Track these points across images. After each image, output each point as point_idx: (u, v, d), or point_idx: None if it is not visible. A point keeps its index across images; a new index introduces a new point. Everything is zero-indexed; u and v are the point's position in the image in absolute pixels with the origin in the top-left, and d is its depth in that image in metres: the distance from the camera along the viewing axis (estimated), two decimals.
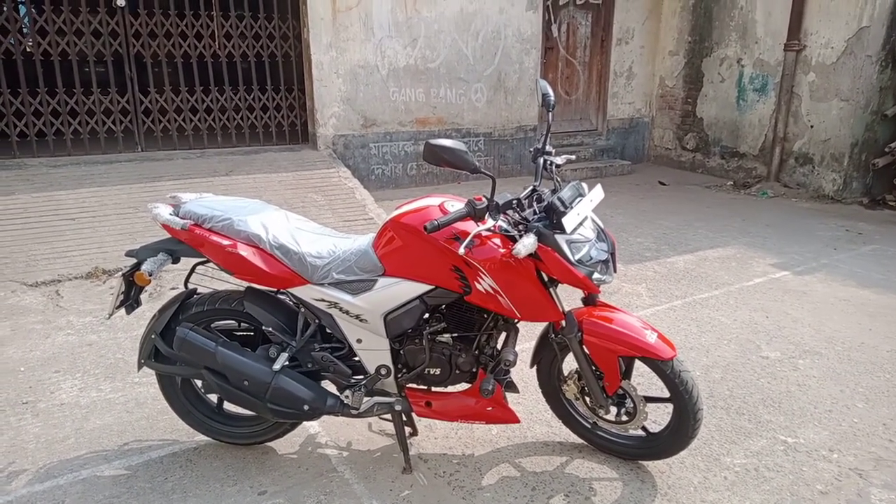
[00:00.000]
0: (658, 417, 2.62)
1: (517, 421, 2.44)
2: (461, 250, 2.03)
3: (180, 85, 6.63)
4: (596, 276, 2.13)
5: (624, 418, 2.44)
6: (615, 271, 2.25)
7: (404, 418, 2.53)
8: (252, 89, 6.99)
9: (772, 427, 2.83)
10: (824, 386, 3.19)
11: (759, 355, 3.51)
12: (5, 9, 5.80)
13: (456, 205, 2.20)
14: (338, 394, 2.44)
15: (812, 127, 7.23)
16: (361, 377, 2.42)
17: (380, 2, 6.92)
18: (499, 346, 2.41)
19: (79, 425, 2.82)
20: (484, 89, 7.80)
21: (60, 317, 3.96)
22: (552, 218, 2.09)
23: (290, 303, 2.42)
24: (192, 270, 2.47)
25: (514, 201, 2.13)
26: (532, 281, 2.15)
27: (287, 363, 2.35)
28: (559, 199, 2.11)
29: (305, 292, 2.29)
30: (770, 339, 3.70)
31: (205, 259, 2.37)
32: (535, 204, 2.21)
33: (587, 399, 2.48)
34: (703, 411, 2.33)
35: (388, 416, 2.50)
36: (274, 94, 7.12)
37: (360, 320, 2.28)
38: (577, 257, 2.08)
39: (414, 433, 2.69)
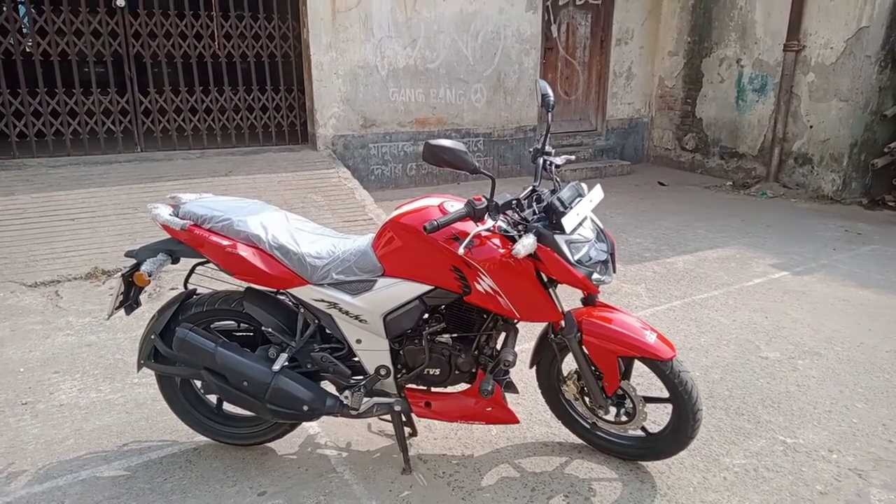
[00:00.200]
0: (657, 418, 2.62)
1: (516, 421, 2.44)
2: (461, 251, 2.04)
3: (180, 85, 6.63)
4: (595, 276, 2.13)
5: (623, 419, 2.44)
6: (614, 272, 2.25)
7: (404, 419, 2.53)
8: (252, 90, 6.99)
9: (771, 427, 2.83)
10: (823, 386, 3.19)
11: (759, 356, 3.51)
12: (5, 9, 5.80)
13: (455, 205, 2.20)
14: (337, 394, 2.44)
15: (811, 127, 7.24)
16: (361, 378, 2.42)
17: (379, 2, 6.92)
18: (498, 347, 2.41)
19: (78, 426, 2.82)
20: (483, 90, 7.80)
21: (60, 317, 3.96)
22: (552, 218, 2.09)
23: (290, 303, 2.42)
24: (192, 271, 2.47)
25: (514, 202, 2.13)
26: (531, 281, 2.15)
27: (286, 364, 2.35)
28: (559, 199, 2.11)
29: (305, 293, 2.29)
30: (769, 340, 3.70)
31: (204, 259, 2.37)
32: (534, 204, 2.20)
33: (586, 399, 2.48)
34: (702, 412, 2.34)
35: (388, 417, 2.50)
36: (273, 95, 7.12)
37: (360, 321, 2.28)
38: (576, 257, 2.08)
39: (413, 434, 2.69)
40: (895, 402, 3.04)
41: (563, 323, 2.26)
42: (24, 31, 6.96)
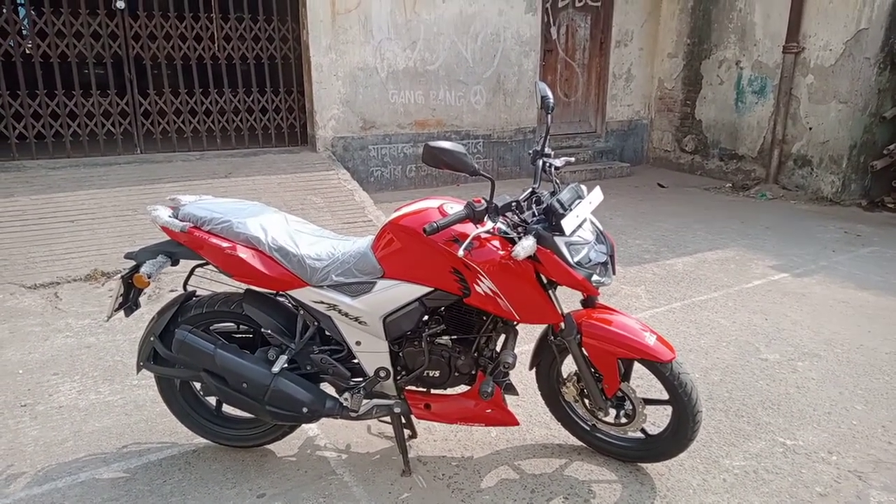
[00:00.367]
0: (657, 419, 2.62)
1: (516, 423, 2.44)
2: (460, 252, 2.04)
3: (179, 87, 6.63)
4: (595, 278, 2.13)
5: (623, 420, 2.44)
6: (614, 273, 2.25)
7: (403, 421, 2.53)
8: (251, 91, 6.99)
9: (771, 429, 2.83)
10: (823, 388, 3.19)
11: (758, 357, 3.51)
12: (4, 11, 5.80)
13: (455, 207, 2.20)
14: (337, 396, 2.44)
15: (811, 129, 7.24)
16: (360, 379, 2.42)
17: (379, 4, 6.92)
18: (498, 349, 2.41)
19: (77, 428, 2.81)
20: (483, 91, 7.81)
21: (59, 319, 3.96)
22: (551, 220, 2.09)
23: (289, 305, 2.42)
24: (191, 273, 2.47)
25: (513, 203, 2.13)
26: (531, 283, 2.15)
27: (286, 365, 2.35)
28: (558, 201, 2.11)
29: (304, 294, 2.29)
30: (769, 342, 3.70)
31: (204, 261, 2.37)
32: (534, 206, 2.21)
33: (586, 401, 2.48)
34: (702, 413, 2.34)
35: (387, 419, 2.50)
36: (273, 97, 7.12)
37: (360, 322, 2.28)
38: (576, 259, 2.08)
39: (413, 435, 2.69)
40: (895, 404, 3.04)
41: (562, 325, 2.26)
42: (24, 32, 6.97)
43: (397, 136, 7.43)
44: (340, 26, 6.80)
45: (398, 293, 2.23)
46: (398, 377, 2.40)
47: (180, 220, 2.31)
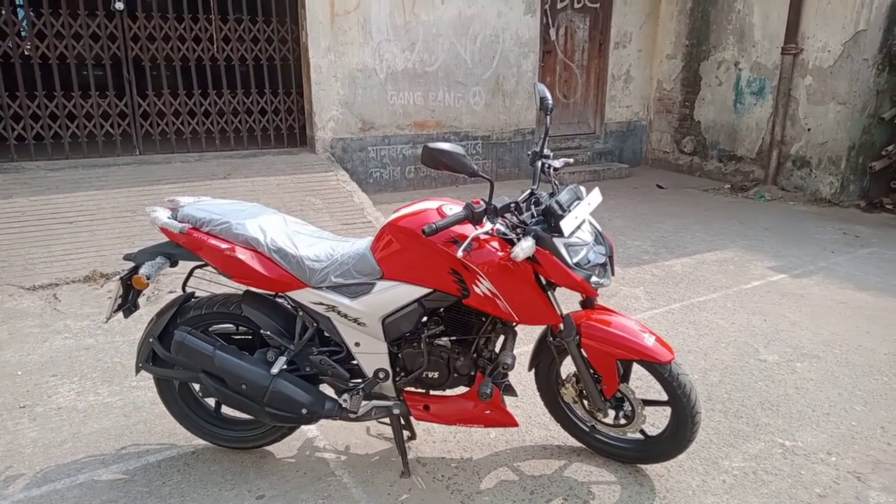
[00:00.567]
0: (656, 421, 2.62)
1: (515, 424, 2.44)
2: (459, 253, 2.04)
3: (178, 88, 6.63)
4: (594, 279, 2.13)
5: (622, 421, 2.44)
6: (613, 274, 2.25)
7: (402, 422, 2.53)
8: (250, 93, 6.99)
9: (770, 430, 2.83)
10: (822, 389, 3.19)
11: (757, 358, 3.51)
12: (3, 12, 5.80)
13: (454, 208, 2.20)
14: (336, 397, 2.44)
15: (809, 130, 7.25)
16: (359, 381, 2.42)
17: (378, 5, 6.93)
18: (497, 350, 2.41)
19: (76, 429, 2.81)
20: (482, 93, 7.81)
21: (58, 320, 3.95)
22: (550, 221, 2.09)
23: (289, 306, 2.42)
24: (190, 274, 2.47)
25: (512, 205, 2.13)
26: (530, 284, 2.15)
27: (285, 367, 2.35)
28: (557, 202, 2.11)
29: (303, 296, 2.29)
30: (768, 343, 3.70)
31: (203, 262, 2.37)
32: (532, 207, 2.21)
33: (585, 402, 2.48)
34: (701, 414, 2.34)
35: (387, 420, 2.49)
36: (272, 98, 7.12)
37: (359, 324, 2.28)
38: (574, 260, 2.08)
39: (412, 437, 2.69)
40: (894, 405, 3.04)
41: (561, 326, 2.26)
42: (23, 34, 6.97)
43: (396, 137, 7.43)
44: (339, 28, 6.80)
45: (397, 294, 2.23)
46: (397, 378, 2.40)
47: (179, 222, 2.31)
